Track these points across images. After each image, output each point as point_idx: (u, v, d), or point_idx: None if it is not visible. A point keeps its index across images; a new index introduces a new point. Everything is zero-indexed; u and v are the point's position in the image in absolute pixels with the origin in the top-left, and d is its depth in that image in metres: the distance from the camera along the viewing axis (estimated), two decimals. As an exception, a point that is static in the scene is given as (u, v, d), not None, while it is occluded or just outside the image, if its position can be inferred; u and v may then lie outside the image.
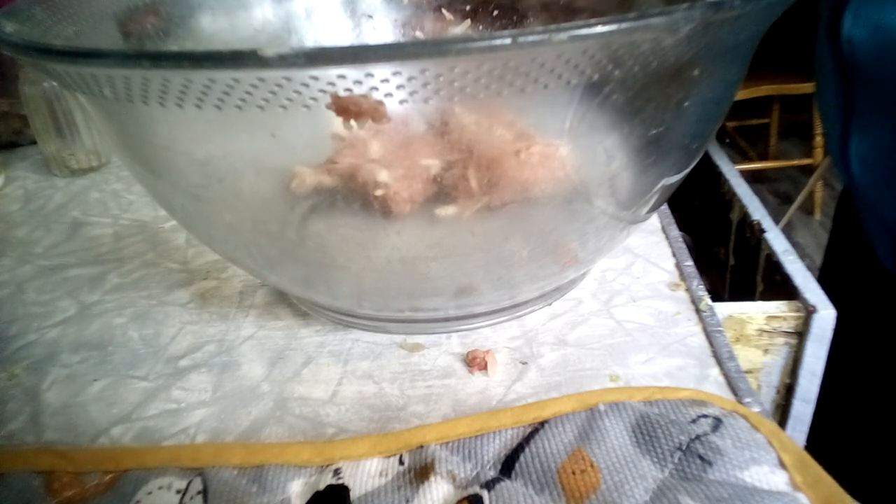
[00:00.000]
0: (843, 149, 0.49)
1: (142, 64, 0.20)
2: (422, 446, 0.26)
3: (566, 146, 0.26)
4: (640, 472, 0.24)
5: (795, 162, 2.01)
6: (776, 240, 0.45)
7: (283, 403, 0.32)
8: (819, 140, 1.85)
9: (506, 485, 0.24)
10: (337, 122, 0.21)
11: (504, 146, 0.26)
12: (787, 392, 0.40)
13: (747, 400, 0.29)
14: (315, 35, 0.43)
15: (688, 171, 0.31)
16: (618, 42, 0.20)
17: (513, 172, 0.26)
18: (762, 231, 0.47)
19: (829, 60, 0.47)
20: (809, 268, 0.41)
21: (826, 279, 0.39)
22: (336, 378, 0.33)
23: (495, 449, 0.26)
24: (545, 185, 0.27)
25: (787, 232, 1.88)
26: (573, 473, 0.24)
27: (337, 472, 0.26)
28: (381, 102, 0.21)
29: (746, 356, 0.39)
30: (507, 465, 0.25)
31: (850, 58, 0.44)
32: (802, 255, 0.50)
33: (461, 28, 0.43)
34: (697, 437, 0.25)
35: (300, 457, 0.27)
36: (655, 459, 0.24)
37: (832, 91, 0.49)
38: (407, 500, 0.24)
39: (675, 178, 0.31)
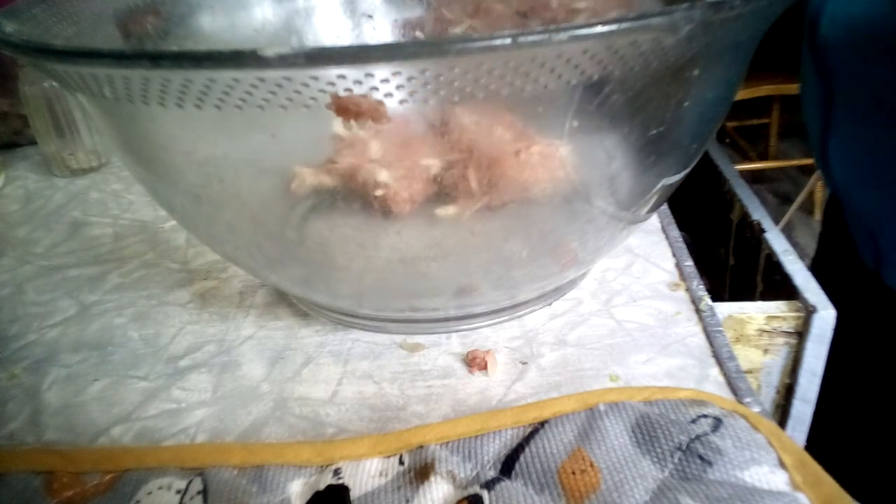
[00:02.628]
0: (822, 149, 0.49)
1: (142, 64, 0.20)
2: (422, 446, 0.26)
3: (566, 146, 0.26)
4: (640, 472, 0.24)
5: (795, 162, 2.01)
6: (776, 240, 0.45)
7: (283, 403, 0.32)
8: (819, 140, 1.85)
9: (506, 485, 0.24)
10: (337, 122, 0.21)
11: (504, 146, 0.26)
12: (787, 392, 0.40)
13: (747, 400, 0.29)
14: (315, 35, 0.43)
15: (688, 171, 0.31)
16: (618, 42, 0.20)
17: (513, 172, 0.26)
18: (762, 231, 0.47)
19: (811, 62, 0.47)
20: (809, 268, 0.41)
21: (817, 278, 0.40)
22: (336, 378, 0.33)
23: (495, 449, 0.26)
24: (545, 185, 0.27)
25: (787, 232, 1.88)
26: (573, 473, 0.24)
27: (337, 472, 0.26)
28: (381, 102, 0.21)
29: (746, 356, 0.39)
30: (507, 465, 0.25)
31: (828, 58, 0.45)
32: (802, 255, 0.50)
33: (461, 28, 0.43)
34: (697, 437, 0.25)
35: (300, 457, 0.27)
36: (655, 459, 0.24)
37: (812, 92, 0.49)
38: (407, 500, 0.24)
39: (675, 178, 0.31)
